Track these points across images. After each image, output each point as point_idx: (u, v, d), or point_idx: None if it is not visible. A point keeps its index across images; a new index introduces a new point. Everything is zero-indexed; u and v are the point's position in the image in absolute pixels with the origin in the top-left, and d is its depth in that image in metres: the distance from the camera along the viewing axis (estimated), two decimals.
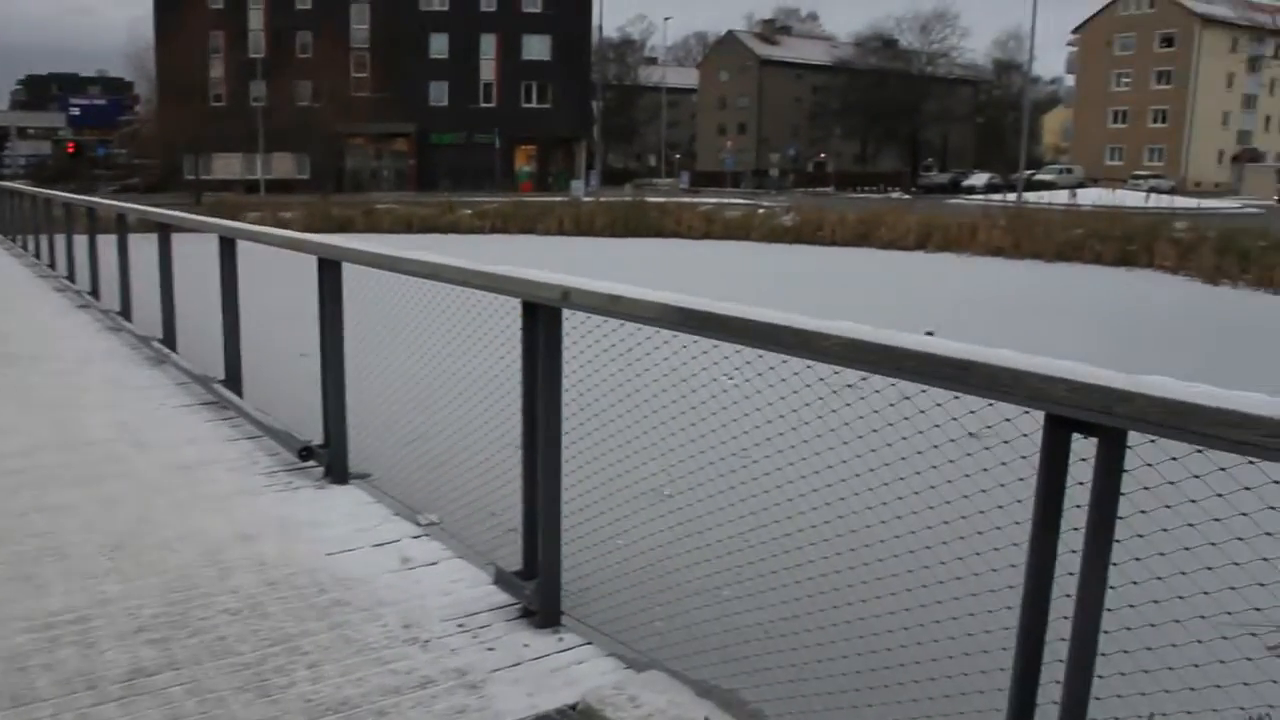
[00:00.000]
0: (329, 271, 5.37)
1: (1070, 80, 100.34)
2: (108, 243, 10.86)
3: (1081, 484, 2.19)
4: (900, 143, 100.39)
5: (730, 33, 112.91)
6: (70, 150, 71.52)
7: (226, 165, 63.44)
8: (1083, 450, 2.20)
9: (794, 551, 4.16)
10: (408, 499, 6.89)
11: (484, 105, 71.35)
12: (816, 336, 2.60)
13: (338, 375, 5.48)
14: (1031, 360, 2.20)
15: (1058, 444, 2.23)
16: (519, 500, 4.00)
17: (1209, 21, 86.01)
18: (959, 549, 3.40)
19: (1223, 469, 1.95)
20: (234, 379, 7.18)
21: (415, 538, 4.73)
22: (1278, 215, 40.72)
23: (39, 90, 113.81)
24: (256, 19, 67.05)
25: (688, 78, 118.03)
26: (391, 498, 5.47)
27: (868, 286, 22.35)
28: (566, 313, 3.71)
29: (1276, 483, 1.91)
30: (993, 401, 2.26)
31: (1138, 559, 2.40)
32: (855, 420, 3.46)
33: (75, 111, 79.81)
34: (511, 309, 3.93)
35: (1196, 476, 2.17)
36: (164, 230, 8.83)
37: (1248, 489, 1.98)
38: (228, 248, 6.99)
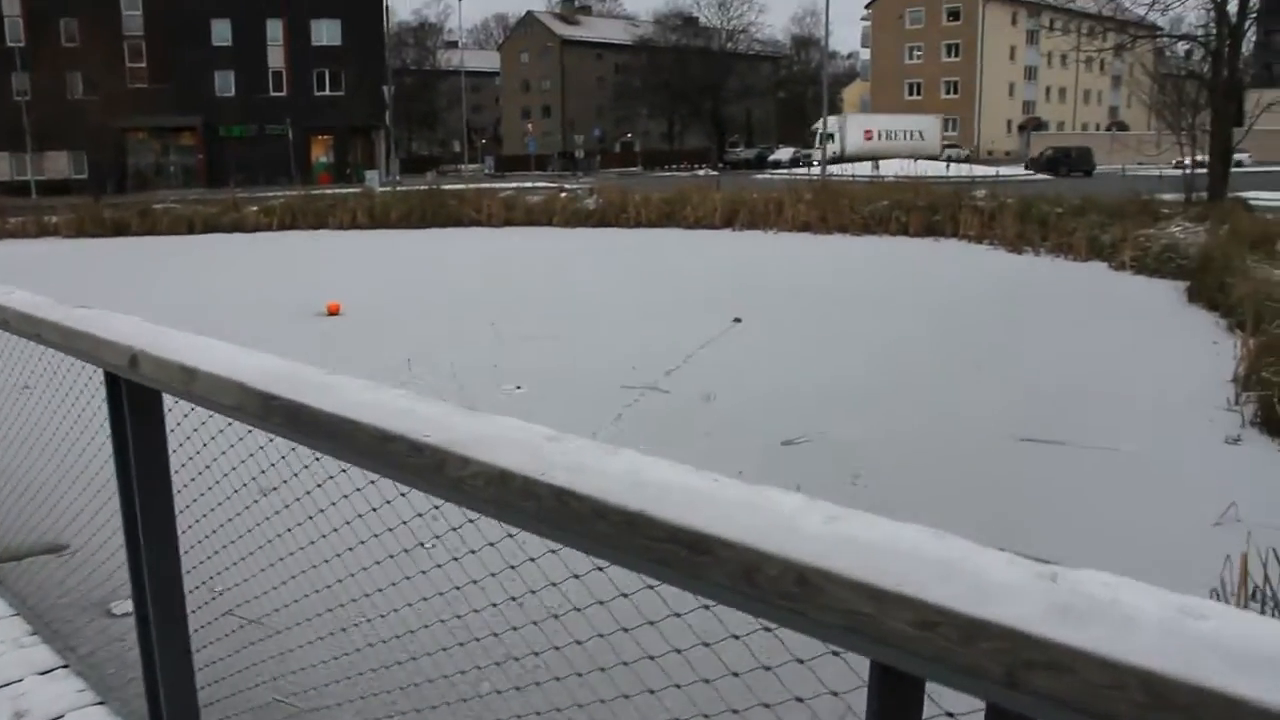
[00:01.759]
0: None
1: (866, 54, 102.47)
2: None
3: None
4: (705, 120, 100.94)
5: (530, 13, 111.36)
6: None
7: None
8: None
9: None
10: (107, 579, 5.47)
11: (274, 94, 67.99)
12: (452, 461, 1.40)
13: None
14: (838, 530, 1.05)
15: (890, 694, 1.11)
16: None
17: None
18: None
19: None
20: None
21: (46, 672, 3.38)
22: (1063, 181, 41.96)
23: None
24: (12, 4, 61.75)
25: (489, 61, 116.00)
26: (41, 605, 4.05)
27: (673, 272, 21.44)
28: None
29: None
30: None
31: None
32: None
33: None
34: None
35: None
36: None
37: None
38: None
